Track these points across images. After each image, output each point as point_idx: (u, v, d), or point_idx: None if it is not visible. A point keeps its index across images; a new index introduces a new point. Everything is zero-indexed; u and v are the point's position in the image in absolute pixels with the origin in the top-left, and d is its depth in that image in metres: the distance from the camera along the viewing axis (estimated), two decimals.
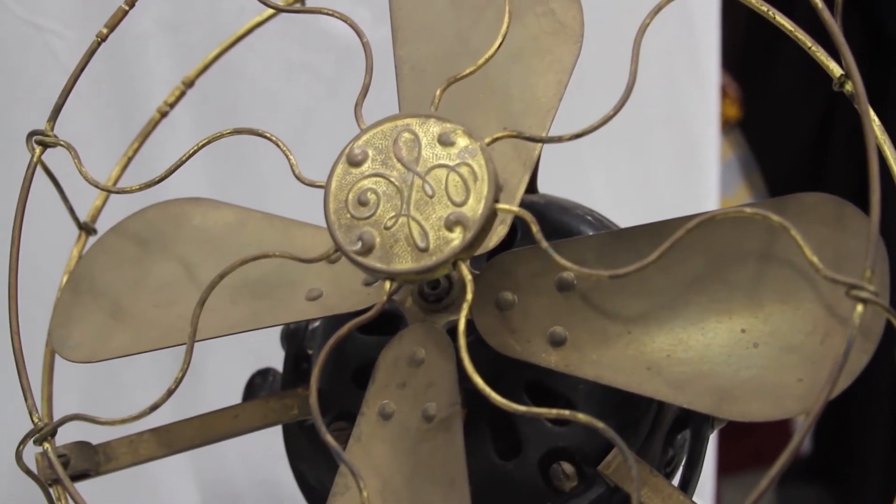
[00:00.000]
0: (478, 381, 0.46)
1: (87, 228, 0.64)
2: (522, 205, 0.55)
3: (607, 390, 0.56)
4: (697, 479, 0.59)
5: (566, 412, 0.45)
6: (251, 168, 1.03)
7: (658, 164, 1.24)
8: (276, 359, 0.70)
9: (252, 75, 1.03)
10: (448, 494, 0.50)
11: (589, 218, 0.62)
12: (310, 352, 0.66)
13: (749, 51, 1.87)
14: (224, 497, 1.27)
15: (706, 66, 1.31)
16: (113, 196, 0.65)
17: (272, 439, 1.25)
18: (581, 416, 0.44)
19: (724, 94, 1.55)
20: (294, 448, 0.67)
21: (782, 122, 1.88)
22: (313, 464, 0.66)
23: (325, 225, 0.50)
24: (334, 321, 0.62)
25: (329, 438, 0.46)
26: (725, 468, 1.45)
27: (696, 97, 1.27)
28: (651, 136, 1.23)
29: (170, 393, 0.51)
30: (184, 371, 0.51)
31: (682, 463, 0.61)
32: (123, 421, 0.51)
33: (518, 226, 0.59)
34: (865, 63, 1.65)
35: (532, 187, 0.63)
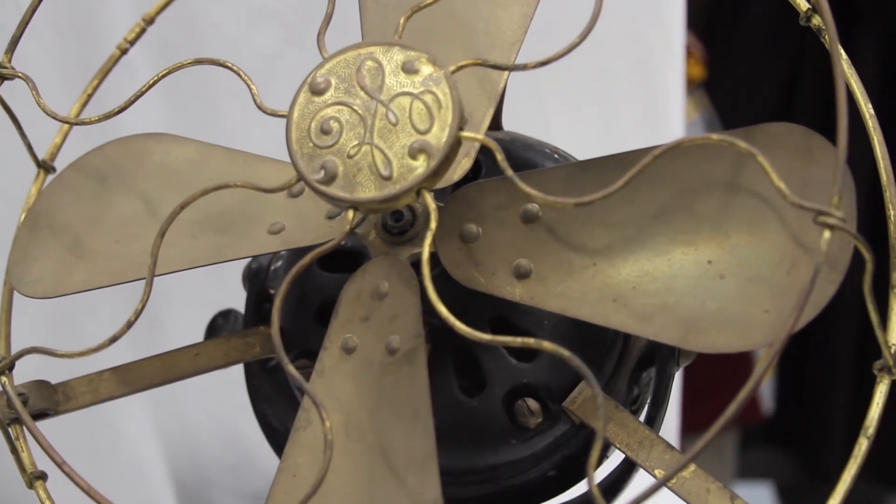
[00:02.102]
0: (441, 309, 0.45)
1: (45, 166, 0.63)
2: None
3: (572, 327, 0.56)
4: (663, 418, 0.59)
5: (531, 340, 0.44)
6: (211, 114, 1.02)
7: (623, 117, 1.24)
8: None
9: (214, 21, 1.02)
10: (412, 427, 0.49)
11: (555, 156, 0.61)
12: (272, 292, 0.65)
13: (713, 11, 1.87)
14: (186, 448, 1.26)
15: (671, 22, 1.31)
16: (72, 135, 0.64)
17: (233, 390, 1.25)
18: (547, 345, 0.44)
19: (689, 54, 1.55)
20: (256, 390, 0.67)
21: (746, 83, 1.88)
22: (275, 405, 0.66)
23: (286, 161, 0.49)
24: (296, 259, 0.61)
25: (291, 369, 0.46)
26: (689, 429, 1.46)
27: (661, 50, 1.27)
28: (616, 89, 1.23)
29: (129, 325, 0.50)
30: (143, 303, 0.50)
31: (648, 402, 0.61)
32: (82, 353, 0.50)
33: (482, 163, 0.59)
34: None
35: (497, 124, 0.62)
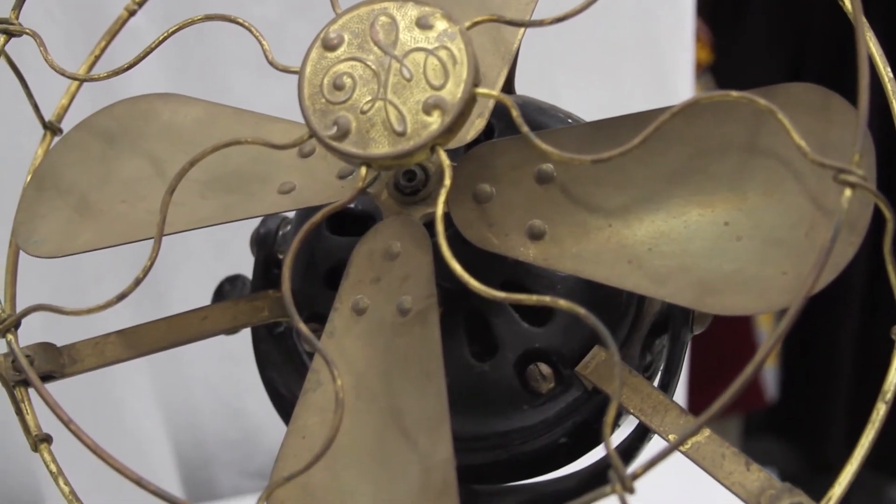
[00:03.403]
0: (455, 266, 0.45)
1: (52, 128, 0.62)
2: (499, 105, 0.54)
3: (585, 291, 0.56)
4: (676, 385, 0.59)
5: (546, 298, 0.43)
6: (216, 84, 1.02)
7: (631, 95, 1.24)
8: None
9: None
10: (424, 388, 0.49)
11: (569, 120, 0.61)
12: (280, 257, 0.65)
13: None
14: (188, 424, 1.26)
15: (681, 2, 1.30)
16: (77, 99, 0.64)
17: (237, 366, 1.25)
18: (562, 303, 0.43)
19: (697, 38, 1.54)
20: (264, 356, 0.66)
21: (753, 67, 1.88)
22: (283, 372, 0.65)
23: (296, 121, 0.49)
24: (305, 223, 0.60)
25: (302, 326, 0.45)
26: (695, 413, 1.45)
27: (671, 28, 1.26)
28: (625, 67, 1.23)
29: (137, 282, 0.49)
30: (152, 260, 0.49)
31: (661, 369, 0.60)
32: (90, 310, 0.50)
33: (494, 127, 0.58)
34: None
35: (509, 88, 0.62)
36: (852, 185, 0.42)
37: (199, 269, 1.12)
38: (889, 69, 0.54)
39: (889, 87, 0.53)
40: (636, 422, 0.60)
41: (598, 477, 0.61)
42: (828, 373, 1.97)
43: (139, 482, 0.45)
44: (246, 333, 1.22)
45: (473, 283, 0.45)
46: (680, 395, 1.38)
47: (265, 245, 0.65)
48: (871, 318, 1.90)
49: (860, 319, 1.92)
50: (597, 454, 0.60)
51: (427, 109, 0.46)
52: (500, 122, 0.57)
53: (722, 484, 0.49)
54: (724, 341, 1.40)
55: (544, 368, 0.56)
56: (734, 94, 0.45)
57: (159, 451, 1.17)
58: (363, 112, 0.47)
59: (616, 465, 0.40)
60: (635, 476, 0.40)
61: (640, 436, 0.59)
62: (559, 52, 1.09)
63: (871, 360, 1.85)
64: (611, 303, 0.56)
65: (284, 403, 0.65)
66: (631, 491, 0.40)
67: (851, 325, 1.92)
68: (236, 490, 1.24)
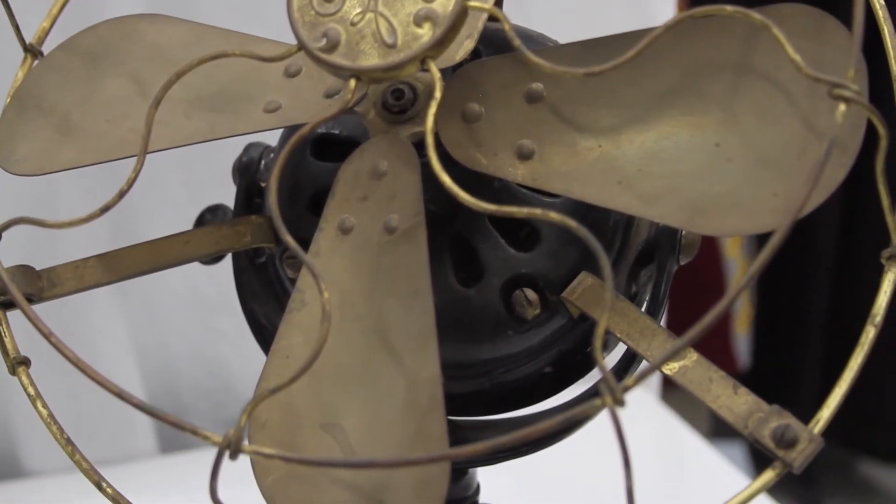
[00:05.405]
0: (445, 179, 0.44)
1: (32, 50, 0.61)
2: (487, 32, 0.54)
3: (572, 218, 0.55)
4: (662, 315, 0.58)
5: (538, 210, 0.43)
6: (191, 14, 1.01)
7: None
8: None
9: None
10: (410, 305, 0.48)
11: None
12: (263, 185, 0.64)
13: None
14: (163, 372, 1.25)
15: None
16: (58, 24, 0.63)
17: (212, 317, 1.24)
18: (553, 215, 0.42)
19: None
20: (245, 286, 0.65)
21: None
22: (264, 302, 0.64)
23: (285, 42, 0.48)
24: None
25: (289, 238, 0.45)
26: (670, 383, 1.45)
27: None
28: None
29: (121, 194, 0.48)
30: (137, 172, 0.49)
31: (646, 300, 0.60)
32: (72, 223, 0.49)
33: (482, 52, 0.57)
34: None
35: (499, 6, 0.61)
36: (847, 100, 0.42)
37: (175, 214, 1.11)
38: None
39: (880, 13, 0.53)
40: (620, 356, 0.60)
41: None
42: (799, 341, 1.98)
43: (120, 395, 0.45)
44: (220, 283, 1.22)
45: (463, 196, 0.44)
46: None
47: (247, 173, 0.65)
48: (841, 286, 1.90)
49: (831, 287, 1.92)
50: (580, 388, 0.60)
51: (418, 21, 0.46)
52: (488, 48, 0.57)
53: (710, 408, 0.49)
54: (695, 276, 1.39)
55: (530, 294, 0.55)
56: (729, 8, 0.45)
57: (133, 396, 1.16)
58: (353, 24, 0.47)
59: (607, 376, 0.39)
60: (626, 388, 0.39)
61: (626, 365, 0.58)
62: None
63: (842, 328, 1.85)
64: (598, 229, 0.56)
65: (266, 334, 0.64)
66: (621, 404, 0.39)
67: (822, 293, 1.93)
68: None
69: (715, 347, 1.80)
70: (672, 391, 1.49)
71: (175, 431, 1.27)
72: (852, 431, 1.92)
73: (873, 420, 1.95)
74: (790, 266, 1.90)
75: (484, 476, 0.68)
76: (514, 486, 0.78)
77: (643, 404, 1.35)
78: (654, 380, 1.42)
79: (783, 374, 1.98)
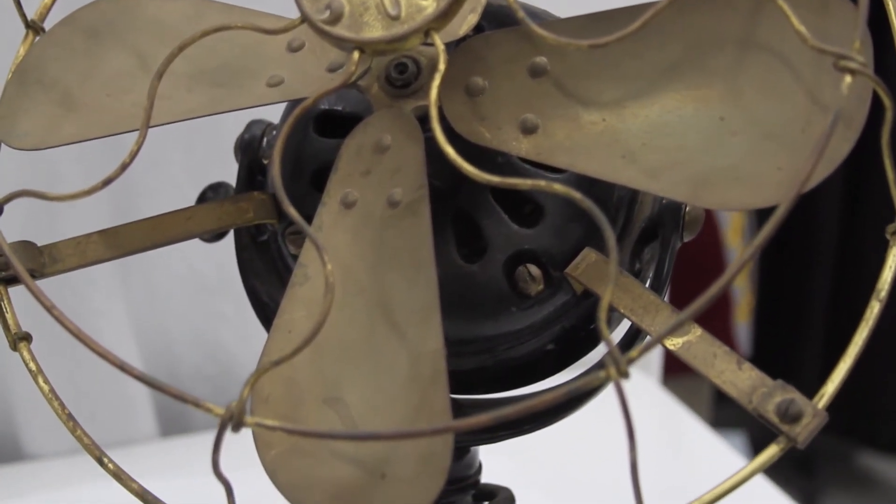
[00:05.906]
0: (449, 150, 0.44)
1: (34, 27, 0.61)
2: (491, 8, 0.54)
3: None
4: (666, 291, 0.58)
5: (542, 183, 0.43)
6: None
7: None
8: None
9: None
10: (414, 278, 0.48)
11: None
12: (265, 162, 0.64)
13: None
14: (163, 354, 1.25)
15: None
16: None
17: (213, 301, 1.24)
18: (558, 187, 0.42)
19: None
20: (247, 263, 0.65)
21: None
22: (265, 280, 0.64)
23: (286, 16, 0.48)
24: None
25: (292, 211, 0.44)
26: (671, 371, 1.46)
27: None
28: None
29: (124, 167, 0.48)
30: (139, 144, 0.49)
31: (650, 278, 0.59)
32: (73, 196, 0.48)
33: (486, 28, 0.57)
34: None
35: None
36: (852, 72, 0.41)
37: (177, 193, 1.11)
38: None
39: None
40: (622, 333, 0.60)
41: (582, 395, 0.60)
42: (801, 328, 1.98)
43: (122, 367, 0.44)
44: (221, 266, 1.22)
45: (467, 167, 0.44)
46: (656, 352, 1.38)
47: (249, 150, 0.64)
48: (843, 273, 1.90)
49: (833, 276, 1.92)
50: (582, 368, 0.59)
51: None
52: (490, 24, 0.56)
53: (714, 383, 0.49)
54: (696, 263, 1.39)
55: (534, 270, 0.55)
56: None
57: (134, 383, 1.16)
58: None
59: (612, 348, 0.39)
60: (630, 360, 0.39)
61: (630, 341, 0.58)
62: None
63: (843, 316, 1.85)
64: (601, 205, 0.55)
65: (267, 311, 0.64)
66: (626, 375, 0.39)
67: (825, 273, 1.93)
68: (211, 423, 1.23)
69: (716, 336, 1.80)
70: (673, 377, 1.49)
71: (175, 414, 1.27)
72: (852, 422, 1.92)
73: (873, 411, 1.95)
74: (792, 246, 1.90)
75: (485, 457, 0.68)
76: (515, 468, 0.78)
77: (644, 389, 1.35)
78: (656, 365, 1.42)
79: (784, 363, 1.98)
